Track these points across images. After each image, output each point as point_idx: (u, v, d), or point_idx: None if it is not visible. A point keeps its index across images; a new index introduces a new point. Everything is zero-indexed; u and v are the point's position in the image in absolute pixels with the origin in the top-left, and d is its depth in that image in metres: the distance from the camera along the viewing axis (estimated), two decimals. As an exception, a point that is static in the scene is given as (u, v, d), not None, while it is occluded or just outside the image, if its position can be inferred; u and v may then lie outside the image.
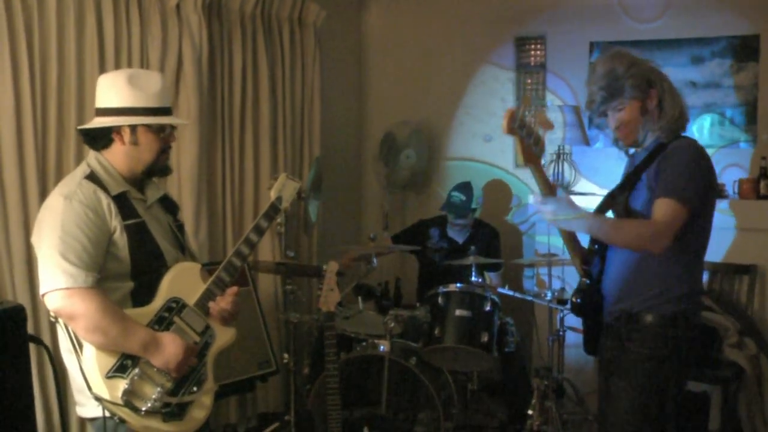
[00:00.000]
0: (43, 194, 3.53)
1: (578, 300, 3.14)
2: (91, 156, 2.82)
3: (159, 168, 2.89)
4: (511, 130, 2.80)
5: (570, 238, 3.29)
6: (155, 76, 2.86)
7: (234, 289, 2.94)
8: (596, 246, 3.16)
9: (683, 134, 3.10)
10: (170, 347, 2.70)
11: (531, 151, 2.90)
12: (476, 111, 6.09)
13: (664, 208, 2.87)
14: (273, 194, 3.05)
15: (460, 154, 6.12)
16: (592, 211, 3.09)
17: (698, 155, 2.98)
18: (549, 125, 2.72)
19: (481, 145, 6.08)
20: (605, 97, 3.06)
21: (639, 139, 3.10)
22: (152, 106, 2.77)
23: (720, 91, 5.24)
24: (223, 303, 2.91)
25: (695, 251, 3.04)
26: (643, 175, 3.02)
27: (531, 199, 2.94)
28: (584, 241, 3.27)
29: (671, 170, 2.92)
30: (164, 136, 2.83)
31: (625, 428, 3.01)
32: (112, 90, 2.77)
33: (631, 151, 3.22)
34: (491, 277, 5.26)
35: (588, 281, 3.13)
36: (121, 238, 2.72)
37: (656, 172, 2.96)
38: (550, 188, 3.05)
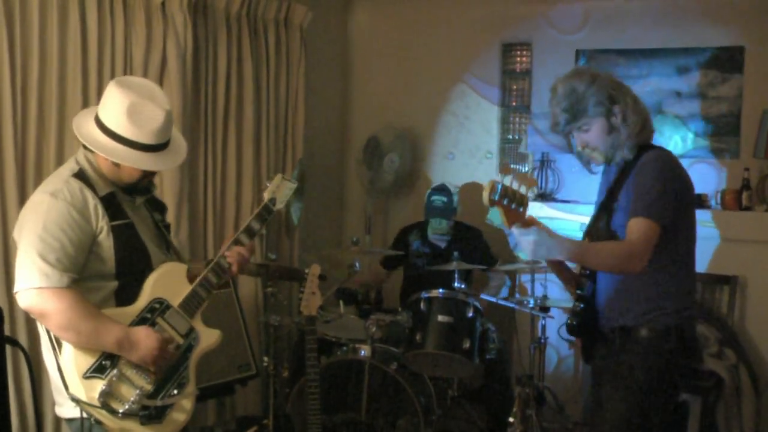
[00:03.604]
0: (22, 193, 3.48)
1: (574, 323, 3.11)
2: (81, 152, 2.77)
3: (140, 188, 2.84)
4: (492, 203, 2.73)
5: (559, 268, 3.24)
6: (159, 112, 2.70)
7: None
8: (587, 271, 3.13)
9: (653, 144, 3.07)
10: (145, 341, 2.67)
11: (516, 214, 2.81)
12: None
13: (636, 228, 2.84)
14: (267, 195, 3.01)
15: (444, 158, 6.11)
16: (572, 238, 3.02)
17: (667, 167, 2.95)
18: (532, 182, 2.68)
19: (453, 159, 6.10)
20: (568, 119, 3.00)
21: (608, 157, 3.05)
22: (142, 142, 2.69)
23: (704, 102, 5.25)
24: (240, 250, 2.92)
25: (685, 263, 3.03)
26: (619, 195, 2.99)
27: (512, 231, 2.88)
28: (573, 265, 3.24)
29: (640, 188, 2.89)
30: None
31: None
32: (111, 109, 2.69)
33: (596, 168, 3.17)
34: (489, 276, 5.24)
35: (582, 305, 3.09)
36: (107, 239, 2.68)
37: (629, 191, 2.94)
38: (529, 225, 2.88)
